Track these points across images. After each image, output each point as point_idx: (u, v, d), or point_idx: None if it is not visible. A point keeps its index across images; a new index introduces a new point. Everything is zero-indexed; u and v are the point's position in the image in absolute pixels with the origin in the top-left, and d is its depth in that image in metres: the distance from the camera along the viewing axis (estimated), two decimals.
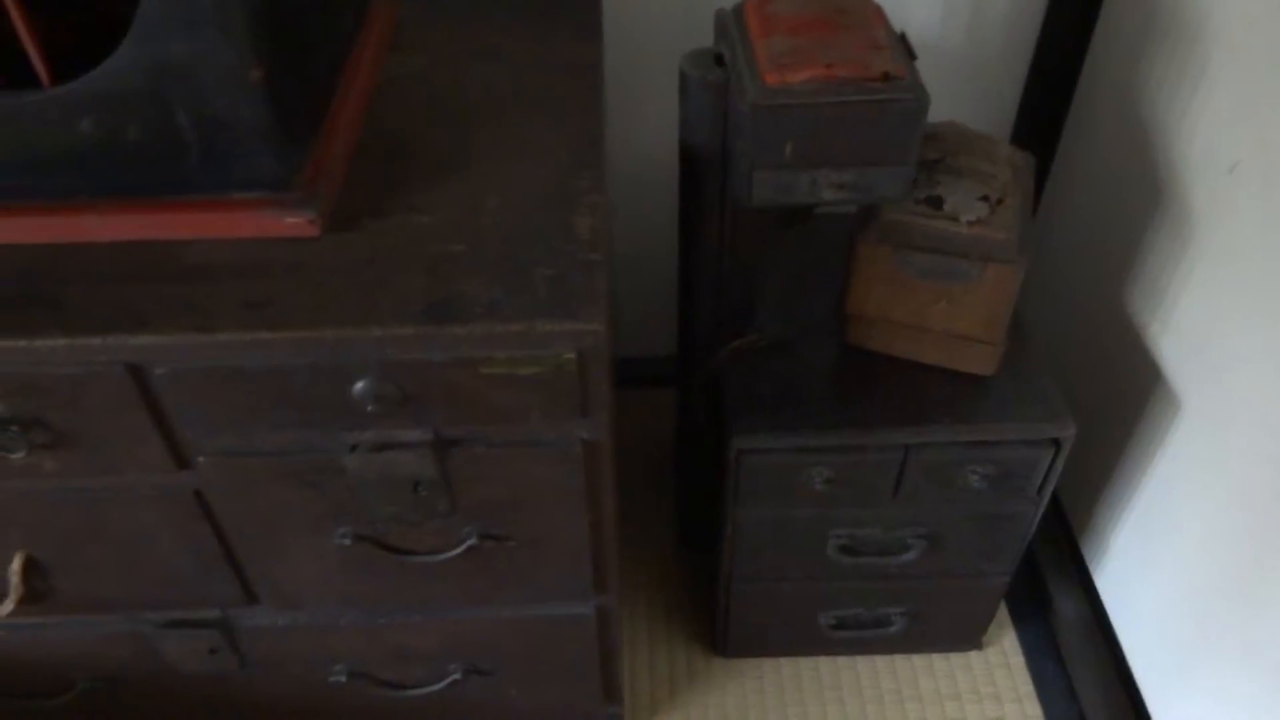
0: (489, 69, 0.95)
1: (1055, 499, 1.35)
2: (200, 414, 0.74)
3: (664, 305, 1.42)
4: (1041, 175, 1.32)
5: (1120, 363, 1.16)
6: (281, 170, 0.74)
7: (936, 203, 0.96)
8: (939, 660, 1.30)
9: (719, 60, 0.89)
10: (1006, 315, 0.98)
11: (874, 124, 0.82)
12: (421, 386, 0.73)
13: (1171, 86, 1.04)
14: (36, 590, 0.88)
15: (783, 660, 1.30)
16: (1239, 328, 0.94)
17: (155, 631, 0.95)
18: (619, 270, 1.46)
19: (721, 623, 1.24)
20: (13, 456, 0.75)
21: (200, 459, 0.78)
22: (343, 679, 1.01)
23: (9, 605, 0.86)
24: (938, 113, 0.95)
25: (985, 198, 0.96)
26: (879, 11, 0.89)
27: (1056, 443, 1.01)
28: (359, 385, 0.72)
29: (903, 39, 0.87)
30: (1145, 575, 1.14)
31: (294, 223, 0.75)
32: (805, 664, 1.30)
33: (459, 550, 0.86)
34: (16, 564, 0.85)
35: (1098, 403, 1.21)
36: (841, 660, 1.30)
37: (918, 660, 1.30)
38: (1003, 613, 1.34)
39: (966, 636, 1.29)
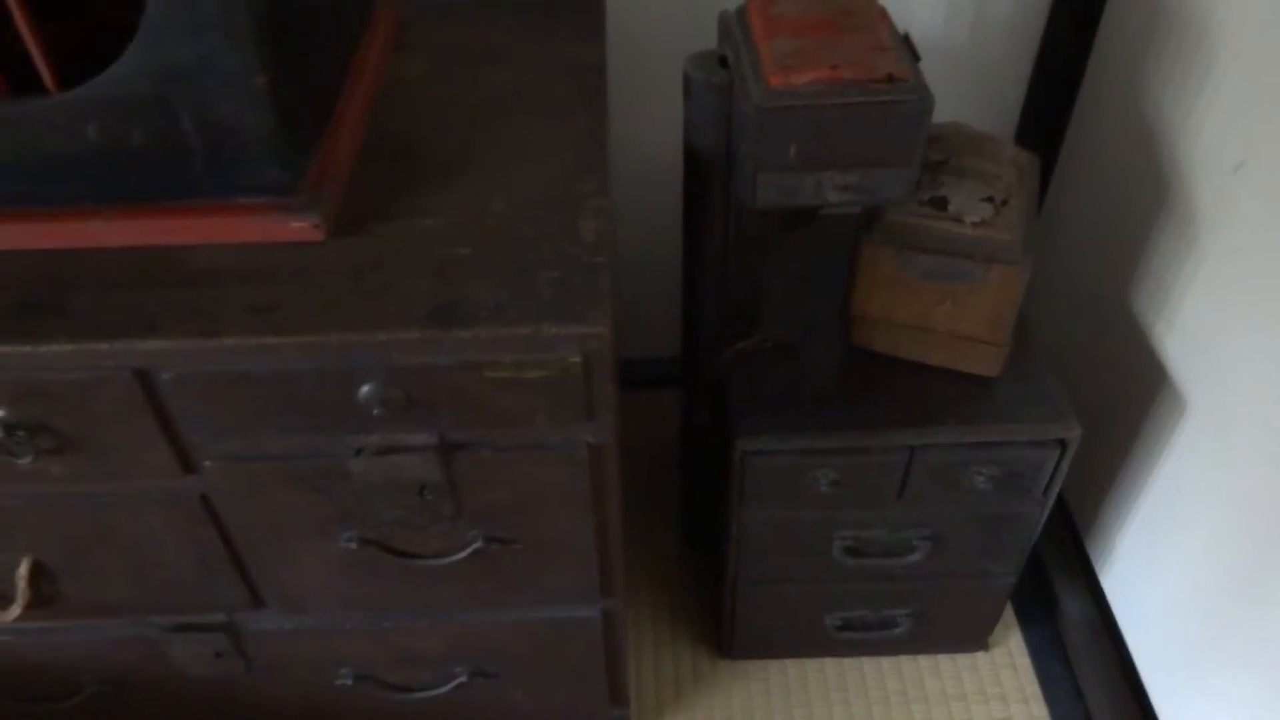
0: (493, 71, 0.95)
1: (1061, 499, 1.35)
2: (206, 418, 0.74)
3: (668, 306, 1.42)
4: (1046, 175, 1.32)
5: (1125, 363, 1.16)
6: (286, 175, 0.74)
7: (941, 204, 0.96)
8: (945, 661, 1.30)
9: (723, 62, 0.89)
10: (1011, 316, 0.98)
11: (878, 126, 0.82)
12: (427, 390, 0.73)
13: (1176, 86, 1.04)
14: (43, 594, 0.89)
15: (788, 662, 1.30)
16: (1244, 327, 0.94)
17: (162, 635, 0.95)
18: (622, 271, 1.46)
19: (727, 624, 1.24)
20: (20, 462, 0.75)
21: (206, 463, 0.78)
22: (348, 682, 1.01)
23: (16, 610, 0.86)
24: (941, 113, 0.95)
25: (990, 199, 0.96)
26: (883, 13, 0.89)
27: (1062, 443, 1.01)
28: (364, 389, 0.72)
29: (907, 40, 0.87)
30: (1151, 576, 1.14)
31: (299, 227, 0.75)
32: (811, 665, 1.30)
33: (464, 553, 0.86)
34: (23, 568, 0.85)
35: (1103, 403, 1.21)
36: (847, 661, 1.30)
37: (923, 661, 1.30)
38: (1008, 613, 1.34)
39: (972, 637, 1.28)
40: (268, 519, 0.83)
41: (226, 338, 0.68)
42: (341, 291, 0.72)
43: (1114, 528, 1.22)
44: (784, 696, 1.27)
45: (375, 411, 0.73)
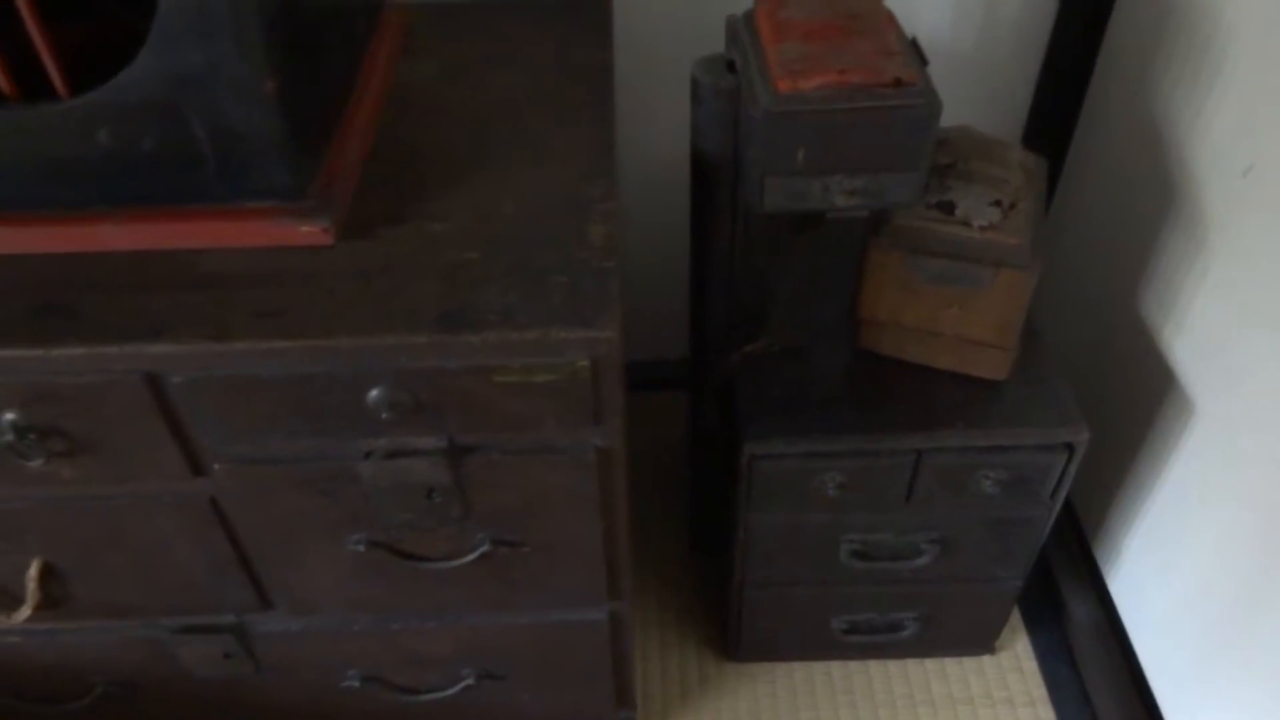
0: (501, 75, 0.95)
1: (1068, 503, 1.35)
2: (216, 422, 0.75)
3: (675, 309, 1.42)
4: (1053, 178, 1.32)
5: (1133, 366, 1.16)
6: (295, 179, 0.74)
7: (948, 208, 0.95)
8: (951, 664, 1.30)
9: (730, 66, 0.89)
10: (1019, 321, 0.98)
11: (886, 130, 0.82)
12: (435, 394, 0.73)
13: (1185, 88, 1.04)
14: (53, 596, 0.89)
15: (795, 665, 1.30)
16: (1254, 331, 0.94)
17: (171, 637, 0.95)
18: (630, 274, 1.46)
19: (734, 627, 1.24)
20: (30, 464, 0.75)
21: (216, 466, 0.78)
22: (356, 684, 1.02)
23: (26, 611, 0.86)
24: (949, 115, 0.95)
25: (997, 203, 0.96)
26: (891, 17, 0.89)
27: (1070, 447, 1.01)
28: (373, 393, 0.73)
29: (914, 44, 0.87)
30: (1159, 580, 1.13)
31: (308, 231, 0.75)
32: (817, 668, 1.30)
33: (472, 556, 0.86)
34: (33, 570, 0.86)
35: (1111, 407, 1.21)
36: (854, 665, 1.30)
37: (930, 665, 1.30)
38: (1015, 617, 1.34)
39: (979, 641, 1.28)
40: (277, 522, 0.83)
41: (236, 341, 0.69)
42: (350, 296, 0.72)
43: (1121, 532, 1.21)
44: (790, 699, 1.27)
45: (384, 415, 0.74)
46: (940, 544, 1.10)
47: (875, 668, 1.30)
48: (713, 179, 0.94)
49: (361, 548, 0.84)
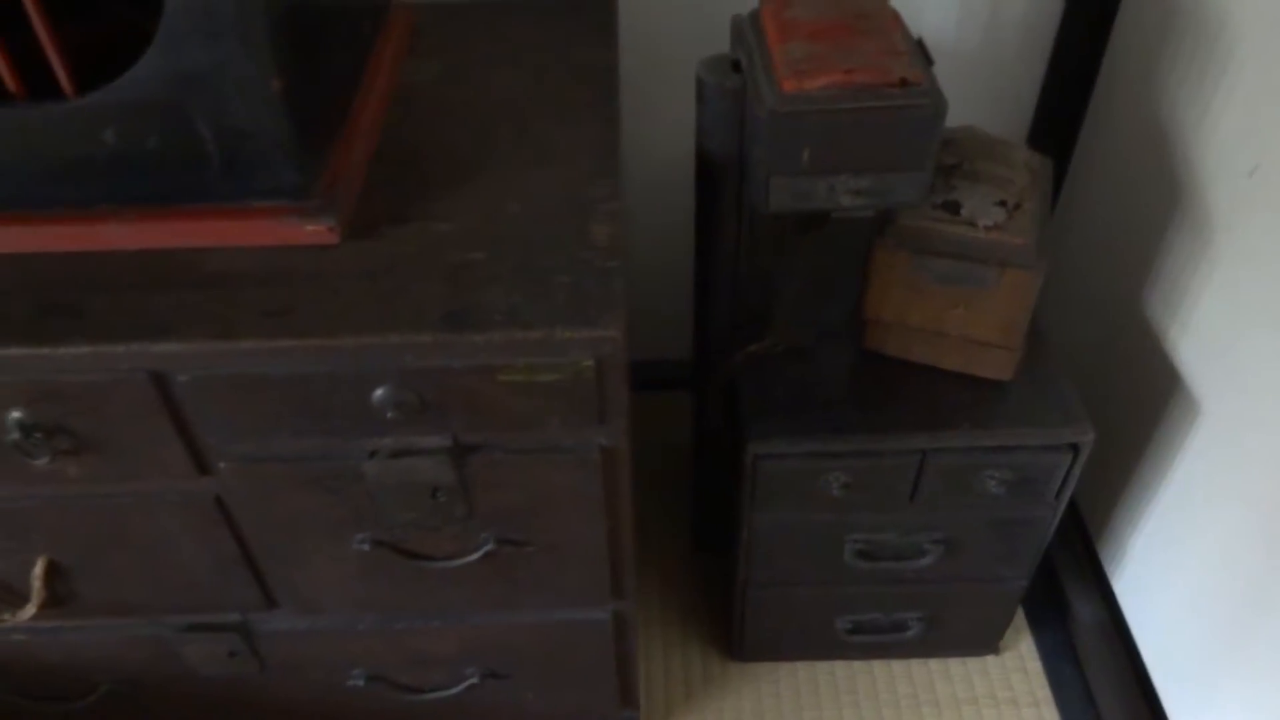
0: (506, 75, 0.95)
1: (1073, 503, 1.34)
2: (221, 421, 0.75)
3: (680, 309, 1.42)
4: (1059, 178, 1.32)
5: (1139, 367, 1.15)
6: (301, 179, 0.74)
7: (954, 208, 0.95)
8: (956, 665, 1.30)
9: (736, 66, 0.89)
10: (1025, 321, 0.98)
11: (892, 130, 0.82)
12: (440, 394, 0.73)
13: (1190, 88, 1.03)
14: (58, 594, 0.89)
15: (798, 665, 1.30)
16: (1259, 332, 0.93)
17: (176, 635, 0.95)
18: (634, 273, 1.46)
19: (737, 627, 1.24)
20: (36, 463, 0.76)
21: (221, 465, 0.78)
22: (361, 683, 1.02)
23: (31, 609, 0.86)
24: (954, 116, 0.95)
25: (1003, 202, 0.96)
26: (896, 17, 0.89)
27: (1075, 448, 1.00)
28: (378, 392, 0.73)
29: (920, 44, 0.87)
30: (1164, 580, 1.13)
31: (313, 230, 0.76)
32: (821, 668, 1.30)
33: (477, 556, 0.86)
34: (39, 568, 0.86)
35: (1116, 407, 1.21)
36: (857, 665, 1.30)
37: (934, 665, 1.30)
38: (1020, 617, 1.34)
39: (983, 641, 1.28)
40: (281, 521, 0.83)
41: (242, 340, 0.69)
42: (355, 295, 0.72)
43: (1126, 532, 1.21)
44: (794, 699, 1.27)
45: (389, 414, 0.74)
46: (945, 544, 1.10)
47: (879, 668, 1.30)
48: (718, 179, 0.94)
49: (366, 547, 0.85)
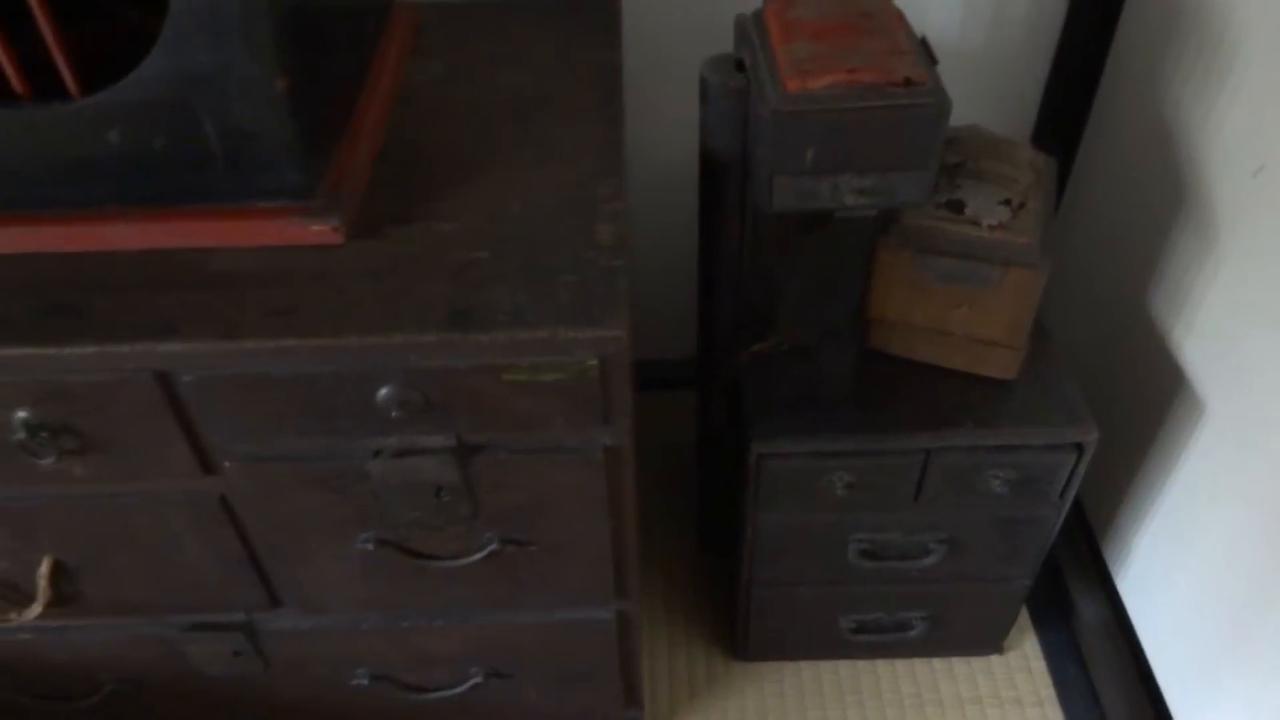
0: (509, 74, 0.95)
1: (1077, 502, 1.34)
2: (226, 420, 0.75)
3: (683, 308, 1.42)
4: (1063, 176, 1.32)
5: (1143, 366, 1.15)
6: (305, 179, 0.74)
7: (958, 207, 0.95)
8: (959, 664, 1.30)
9: (739, 66, 0.89)
10: (1028, 320, 0.98)
11: (896, 129, 0.82)
12: (444, 393, 0.73)
13: (1195, 87, 1.03)
14: (64, 594, 0.89)
15: (802, 664, 1.30)
16: (1264, 331, 0.93)
17: (180, 634, 0.95)
18: (638, 273, 1.46)
19: (741, 626, 1.24)
20: (42, 462, 0.76)
21: (226, 465, 0.79)
22: (365, 682, 1.02)
23: (37, 608, 0.87)
24: (958, 115, 0.95)
25: (1007, 201, 0.96)
26: (900, 16, 0.88)
27: (1079, 447, 1.00)
28: (383, 392, 0.73)
29: (924, 43, 0.87)
30: (1168, 580, 1.13)
31: (318, 230, 0.76)
32: (825, 668, 1.30)
33: (481, 555, 0.86)
34: (44, 568, 0.86)
35: (1120, 406, 1.20)
36: (861, 664, 1.30)
37: (938, 664, 1.30)
38: (1024, 617, 1.34)
39: (987, 640, 1.28)
40: (286, 520, 0.83)
41: (246, 340, 0.69)
42: (360, 295, 0.72)
43: (1130, 531, 1.21)
44: (798, 699, 1.27)
45: (393, 414, 0.74)
46: (948, 544, 1.10)
47: (883, 667, 1.29)
48: (721, 178, 0.94)
49: (370, 546, 0.85)
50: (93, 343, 0.69)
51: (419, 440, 0.77)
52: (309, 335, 0.69)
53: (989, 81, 1.27)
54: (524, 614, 0.96)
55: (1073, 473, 1.02)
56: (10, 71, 0.69)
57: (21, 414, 0.73)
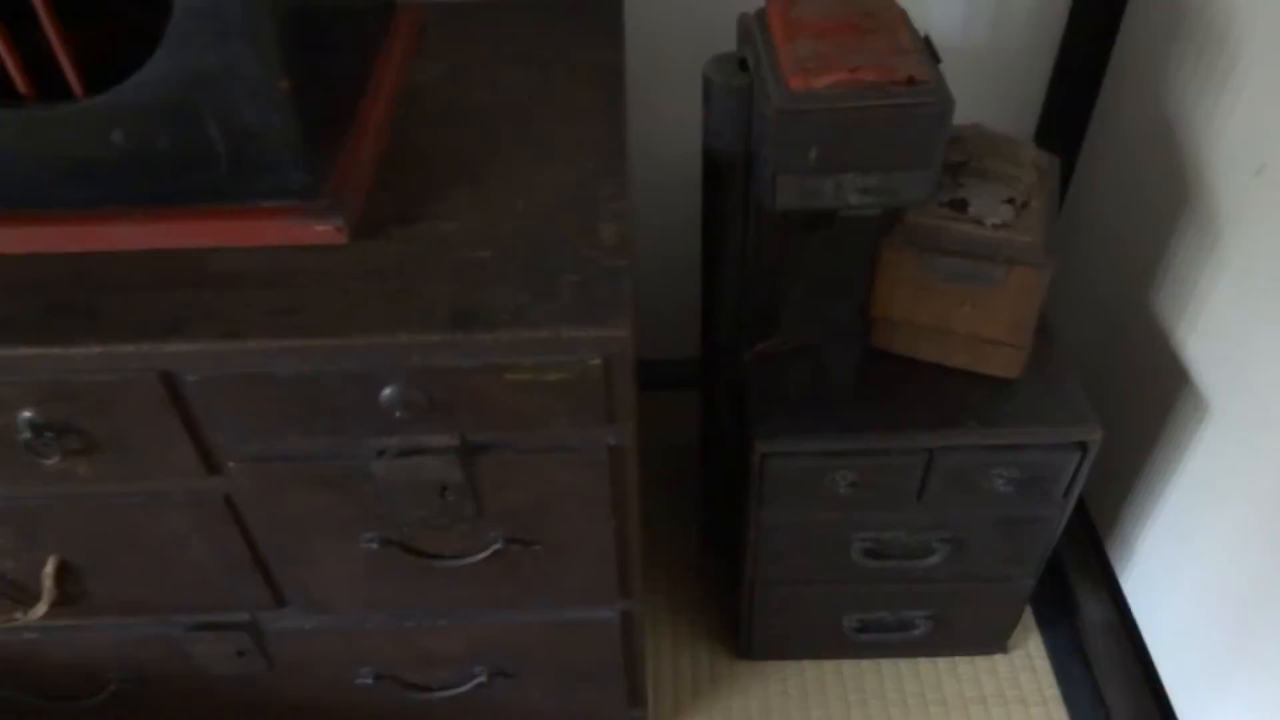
0: (513, 74, 0.95)
1: (1081, 502, 1.34)
2: (231, 420, 0.75)
3: (687, 308, 1.42)
4: (1066, 175, 1.32)
5: (1147, 365, 1.15)
6: (309, 179, 0.74)
7: (961, 206, 0.95)
8: (963, 663, 1.29)
9: (743, 65, 0.89)
10: (1032, 319, 0.98)
11: (899, 128, 0.82)
12: (448, 393, 0.73)
13: (1198, 86, 1.03)
14: (69, 593, 0.90)
15: (806, 663, 1.30)
16: (1268, 330, 0.93)
17: (185, 634, 0.96)
18: (641, 272, 1.46)
19: (745, 626, 1.24)
20: (47, 462, 0.76)
21: (230, 464, 0.79)
22: (369, 681, 1.02)
23: (42, 608, 0.87)
24: (961, 114, 0.94)
25: (1010, 200, 0.96)
26: (903, 15, 0.88)
27: (1083, 446, 1.00)
28: (386, 391, 0.73)
29: (927, 42, 0.87)
30: (1173, 579, 1.13)
31: (322, 230, 0.76)
32: (829, 667, 1.30)
33: (484, 554, 0.86)
34: (50, 567, 0.86)
35: (1124, 406, 1.20)
36: (865, 663, 1.30)
37: (942, 663, 1.30)
38: (1028, 616, 1.34)
39: (991, 639, 1.28)
40: (290, 520, 0.83)
41: (251, 340, 0.69)
42: (364, 295, 0.72)
43: (1134, 531, 1.21)
44: (802, 698, 1.27)
45: (397, 413, 0.74)
46: (952, 543, 1.10)
47: (887, 666, 1.29)
48: (724, 177, 0.94)
49: (374, 546, 0.85)
50: (97, 343, 0.69)
51: (423, 440, 0.77)
52: (313, 335, 0.69)
53: (992, 80, 1.27)
54: (528, 613, 0.96)
55: (1076, 472, 1.02)
56: (14, 72, 0.69)
57: (26, 414, 0.73)
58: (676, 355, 1.54)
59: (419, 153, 0.86)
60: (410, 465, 0.78)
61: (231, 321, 0.70)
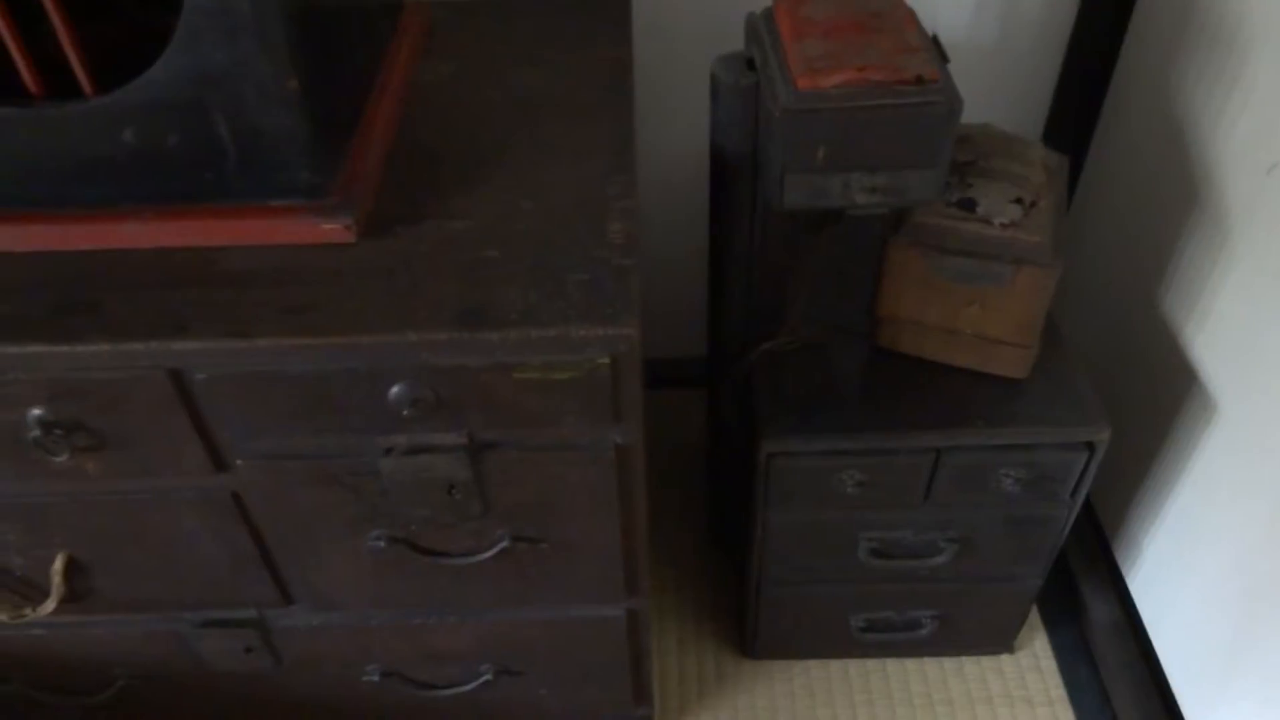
0: (520, 74, 0.95)
1: (1088, 502, 1.34)
2: (239, 418, 0.75)
3: (694, 307, 1.42)
4: (1074, 175, 1.31)
5: (1155, 365, 1.15)
6: (318, 177, 0.75)
7: (969, 205, 0.95)
8: (970, 663, 1.29)
9: (750, 64, 0.89)
10: (1040, 318, 0.97)
11: (907, 127, 0.82)
12: (456, 391, 0.73)
13: (1207, 85, 1.03)
14: (77, 590, 0.90)
15: (812, 663, 1.30)
16: (1277, 330, 0.93)
17: (193, 631, 0.96)
18: (648, 271, 1.46)
19: (751, 625, 1.24)
20: (56, 459, 0.76)
21: (239, 462, 0.79)
22: (376, 678, 1.02)
23: (50, 604, 0.87)
24: (969, 114, 0.94)
25: (1018, 200, 0.95)
26: (911, 14, 0.88)
27: (1090, 446, 1.00)
28: (394, 390, 0.73)
29: (935, 41, 0.87)
30: (1180, 580, 1.13)
31: (330, 229, 0.76)
32: (835, 666, 1.30)
33: (492, 552, 0.86)
34: (58, 564, 0.87)
35: (1132, 405, 1.20)
36: (871, 663, 1.30)
37: (948, 663, 1.29)
38: (1034, 616, 1.33)
39: (998, 639, 1.28)
40: (298, 517, 0.84)
41: (259, 338, 0.69)
42: (372, 293, 0.72)
43: (1141, 531, 1.21)
44: (808, 697, 1.27)
45: (405, 412, 0.74)
46: (959, 542, 1.10)
47: (893, 666, 1.29)
48: (732, 177, 0.94)
49: (382, 543, 0.85)
50: (106, 341, 0.69)
51: (430, 438, 0.77)
52: (321, 334, 0.69)
53: (1000, 79, 1.27)
54: (534, 611, 0.96)
55: (1084, 472, 1.02)
56: (25, 71, 0.69)
57: (36, 411, 0.73)
58: (683, 354, 1.55)
59: (427, 152, 0.86)
60: (418, 463, 0.78)
61: (240, 320, 0.70)
